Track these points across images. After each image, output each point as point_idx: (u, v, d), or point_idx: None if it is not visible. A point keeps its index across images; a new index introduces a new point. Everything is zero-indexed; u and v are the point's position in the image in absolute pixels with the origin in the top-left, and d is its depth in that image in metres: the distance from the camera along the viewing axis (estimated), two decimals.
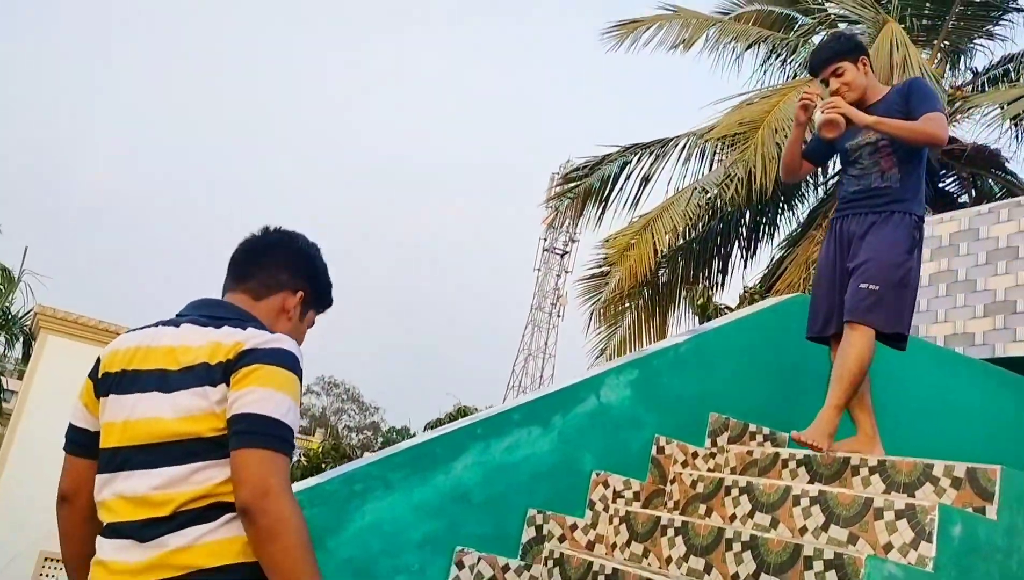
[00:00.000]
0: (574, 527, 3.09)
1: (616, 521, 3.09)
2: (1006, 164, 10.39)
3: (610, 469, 3.23)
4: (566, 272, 41.79)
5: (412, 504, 2.89)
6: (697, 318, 7.92)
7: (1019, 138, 9.93)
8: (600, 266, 11.68)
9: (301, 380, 1.58)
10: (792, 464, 3.10)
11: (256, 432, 1.47)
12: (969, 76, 10.93)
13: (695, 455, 3.40)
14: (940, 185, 10.47)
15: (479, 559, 2.91)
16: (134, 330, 1.70)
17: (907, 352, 4.11)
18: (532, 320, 44.52)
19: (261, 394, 1.50)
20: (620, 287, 10.98)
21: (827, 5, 11.20)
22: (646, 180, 11.66)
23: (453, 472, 2.94)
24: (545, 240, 42.60)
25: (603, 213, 11.88)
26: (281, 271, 1.78)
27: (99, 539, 1.57)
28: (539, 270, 44.19)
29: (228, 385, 1.52)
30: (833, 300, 3.22)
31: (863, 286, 3.03)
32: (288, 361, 1.56)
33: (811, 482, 3.01)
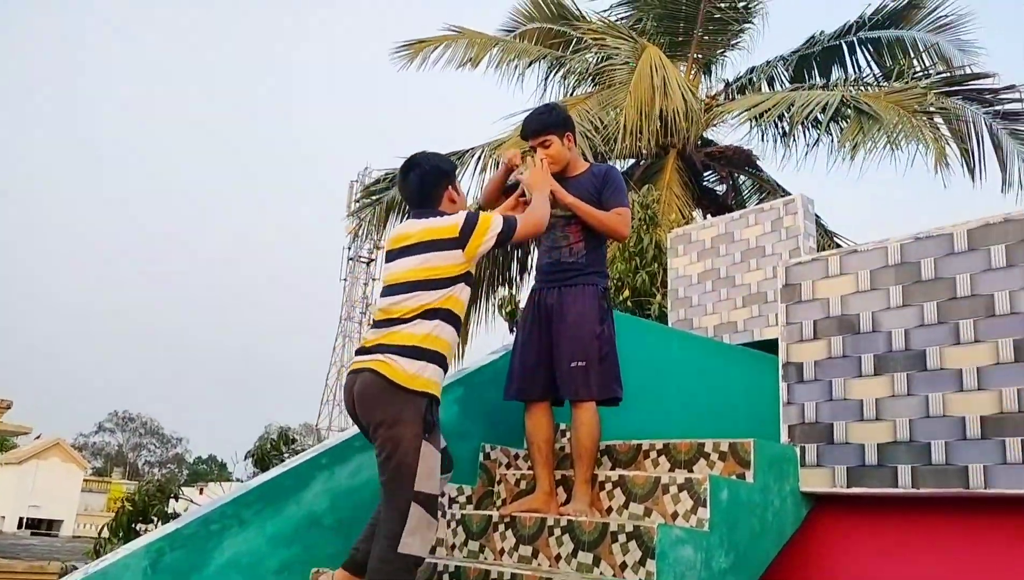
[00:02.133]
0: None
1: (453, 524, 3.49)
2: (757, 162, 11.85)
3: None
4: (373, 280, 41.70)
5: (267, 536, 3.14)
6: (507, 324, 8.50)
7: (764, 138, 11.40)
8: None
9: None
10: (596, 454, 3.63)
11: (507, 232, 2.96)
12: (721, 85, 12.35)
13: (517, 457, 3.88)
14: (703, 184, 11.76)
15: (334, 577, 3.20)
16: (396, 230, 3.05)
17: (679, 345, 4.84)
18: (342, 331, 44.02)
19: (491, 232, 2.90)
20: None
21: (597, 26, 12.23)
22: None
23: (304, 501, 3.22)
24: (349, 249, 42.27)
25: None
26: (431, 188, 3.03)
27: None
28: (346, 280, 43.76)
29: (463, 249, 2.86)
30: (530, 370, 3.46)
31: (572, 366, 3.33)
32: (479, 217, 2.92)
33: (612, 468, 3.57)
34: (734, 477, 3.16)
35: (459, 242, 2.85)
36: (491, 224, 2.91)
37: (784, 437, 3.37)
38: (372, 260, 42.25)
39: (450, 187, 3.06)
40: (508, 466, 3.85)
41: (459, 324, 2.89)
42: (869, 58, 11.28)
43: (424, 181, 3.03)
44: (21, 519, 24.39)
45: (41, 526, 24.84)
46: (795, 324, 3.43)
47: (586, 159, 4.25)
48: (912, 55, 10.70)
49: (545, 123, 3.56)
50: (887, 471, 3.06)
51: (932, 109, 9.36)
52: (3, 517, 24.60)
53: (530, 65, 12.33)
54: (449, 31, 12.41)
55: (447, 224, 2.89)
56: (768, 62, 11.85)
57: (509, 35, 12.99)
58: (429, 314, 2.79)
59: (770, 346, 5.36)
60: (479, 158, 12.03)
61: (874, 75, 11.24)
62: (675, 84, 9.64)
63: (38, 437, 29.17)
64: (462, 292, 2.89)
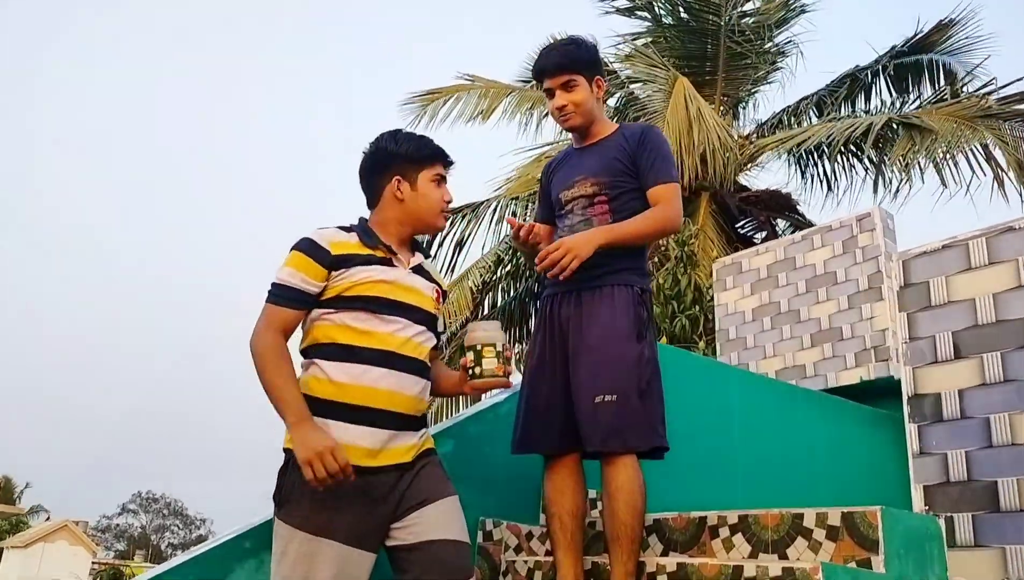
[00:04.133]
0: None
1: None
2: (797, 206, 10.91)
3: None
4: None
5: None
6: None
7: (804, 177, 10.50)
8: None
9: (305, 246, 2.04)
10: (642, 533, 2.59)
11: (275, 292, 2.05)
12: (753, 127, 11.52)
13: (530, 536, 2.83)
14: (739, 230, 10.84)
15: None
16: None
17: (751, 390, 3.79)
18: None
19: (281, 270, 2.05)
20: None
21: (617, 68, 11.56)
22: (460, 245, 11.38)
23: None
24: None
25: None
26: (372, 178, 2.18)
27: None
28: None
29: None
30: (542, 410, 2.45)
31: (599, 400, 2.28)
32: (293, 245, 2.06)
33: (665, 553, 2.52)
34: (853, 564, 2.10)
35: None
36: (289, 263, 2.04)
37: (917, 503, 2.32)
38: None
39: (397, 178, 2.14)
40: (518, 549, 2.80)
41: (346, 353, 2.02)
42: (908, 82, 10.40)
43: (361, 172, 2.22)
44: None
45: None
46: (924, 339, 2.40)
47: None
48: (948, 79, 9.83)
49: (571, 56, 2.50)
50: None
51: (994, 111, 8.47)
52: None
53: (547, 115, 11.65)
54: (463, 80, 11.80)
55: None
56: (805, 97, 11.04)
57: (526, 85, 12.38)
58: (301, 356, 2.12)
59: (847, 393, 4.32)
60: (494, 209, 11.29)
61: (906, 100, 10.40)
62: (709, 119, 8.81)
63: (47, 518, 28.24)
64: (319, 319, 2.06)
